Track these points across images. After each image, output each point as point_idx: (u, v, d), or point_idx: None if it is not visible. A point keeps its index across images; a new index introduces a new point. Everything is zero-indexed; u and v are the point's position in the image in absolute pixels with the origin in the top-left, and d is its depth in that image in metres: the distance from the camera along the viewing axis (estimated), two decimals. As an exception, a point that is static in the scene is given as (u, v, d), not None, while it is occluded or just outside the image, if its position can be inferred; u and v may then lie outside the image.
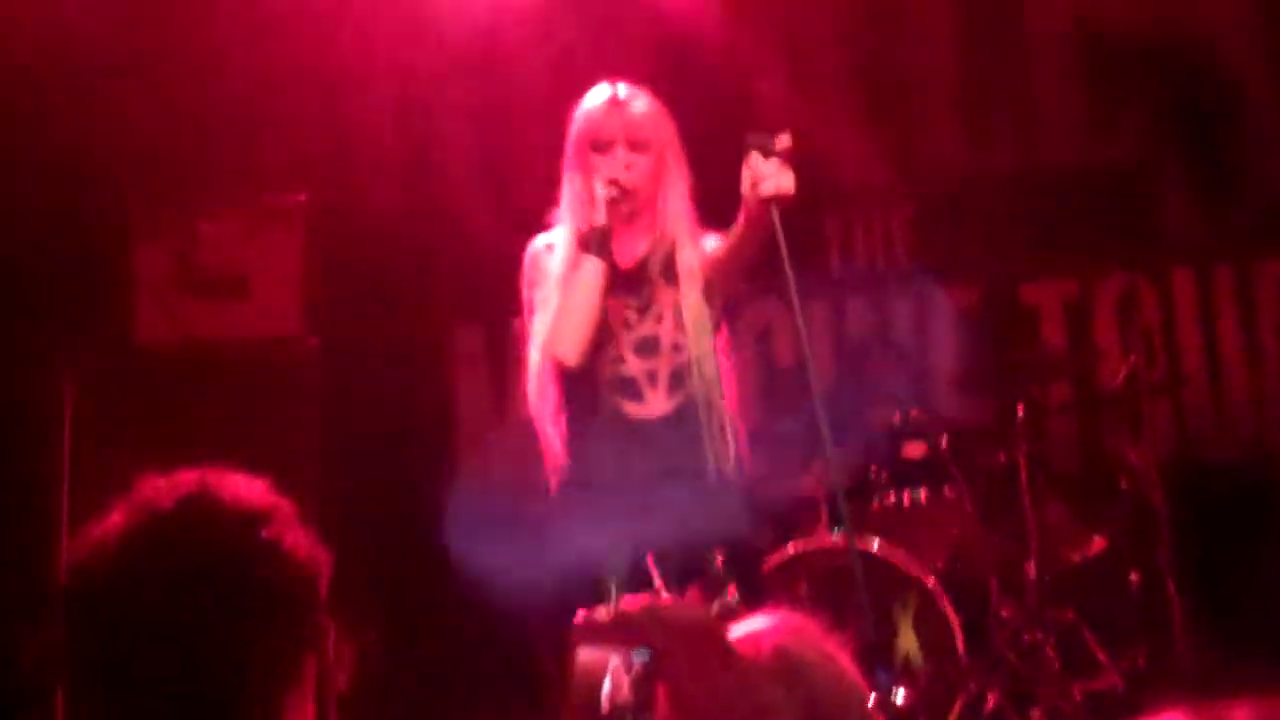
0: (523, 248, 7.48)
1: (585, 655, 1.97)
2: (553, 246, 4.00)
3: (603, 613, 1.92)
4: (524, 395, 4.01)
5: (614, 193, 3.81)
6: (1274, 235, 7.25)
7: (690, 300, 3.84)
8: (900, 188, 7.27)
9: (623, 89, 3.96)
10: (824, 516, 5.67)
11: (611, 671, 1.96)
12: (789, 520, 6.03)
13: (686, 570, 3.65)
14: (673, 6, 7.35)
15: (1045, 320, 7.18)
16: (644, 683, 1.83)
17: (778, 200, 3.47)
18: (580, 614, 1.95)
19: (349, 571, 6.36)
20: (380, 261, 7.57)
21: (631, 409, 3.82)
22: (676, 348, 3.82)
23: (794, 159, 3.50)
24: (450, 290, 7.67)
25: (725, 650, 1.82)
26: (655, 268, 3.90)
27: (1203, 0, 7.41)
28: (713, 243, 3.91)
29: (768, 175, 3.47)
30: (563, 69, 7.73)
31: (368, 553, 6.44)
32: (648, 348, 3.84)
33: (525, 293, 4.03)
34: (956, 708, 5.21)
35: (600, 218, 3.82)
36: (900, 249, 7.30)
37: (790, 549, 5.45)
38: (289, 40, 7.51)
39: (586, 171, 3.92)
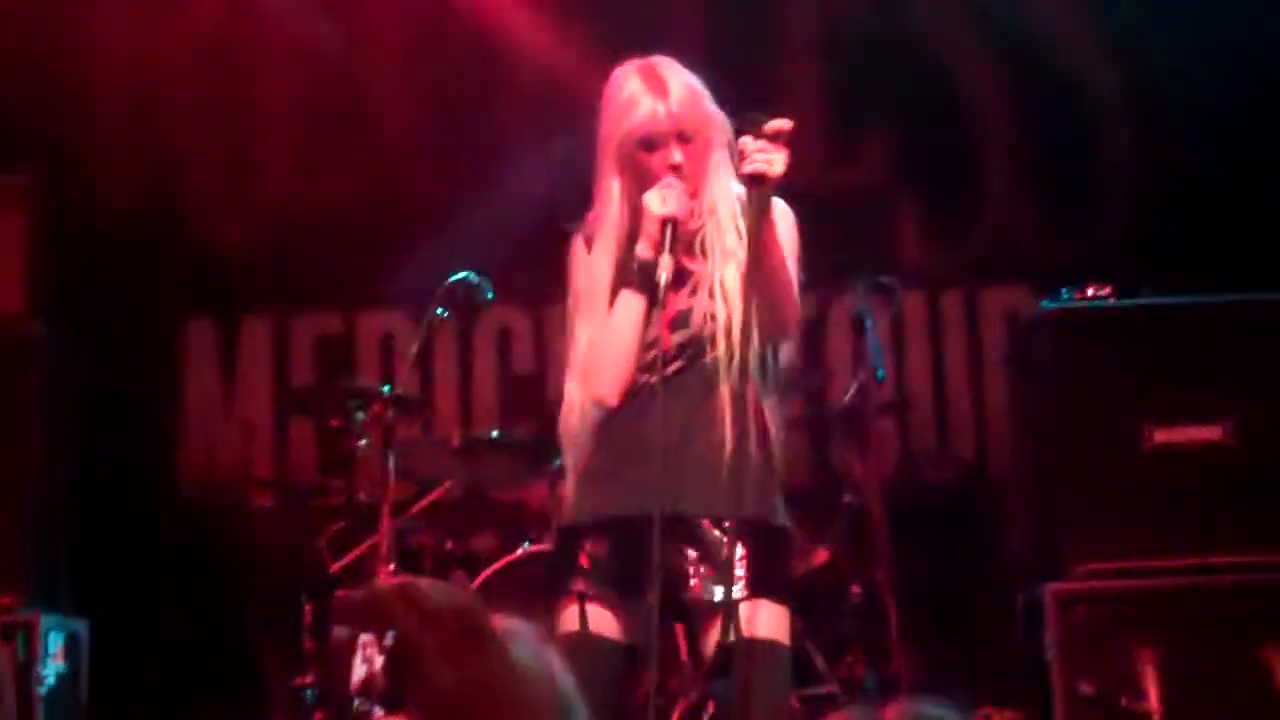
0: (261, 243, 7.48)
1: (340, 633, 1.92)
2: (591, 243, 3.77)
3: (356, 592, 1.88)
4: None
5: (664, 255, 3.58)
6: (1001, 263, 7.49)
7: (728, 276, 3.63)
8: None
9: (660, 70, 3.70)
10: (554, 521, 5.67)
11: (362, 651, 1.91)
12: (520, 524, 6.03)
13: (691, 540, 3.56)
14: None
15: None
16: (394, 664, 1.79)
17: (756, 180, 3.42)
18: (339, 594, 1.90)
19: (65, 560, 6.17)
20: (112, 250, 7.39)
21: (651, 378, 3.60)
22: (709, 318, 3.64)
23: (787, 140, 3.45)
24: (183, 283, 7.51)
25: (481, 635, 1.79)
26: (697, 243, 3.70)
27: (944, 32, 7.62)
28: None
29: (751, 153, 3.43)
30: (306, 60, 7.64)
31: (88, 541, 6.27)
32: (681, 322, 3.65)
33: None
34: (676, 714, 5.23)
35: (645, 249, 3.61)
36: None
37: (520, 552, 5.44)
38: (27, 11, 7.32)
39: (632, 173, 3.69)
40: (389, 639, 1.79)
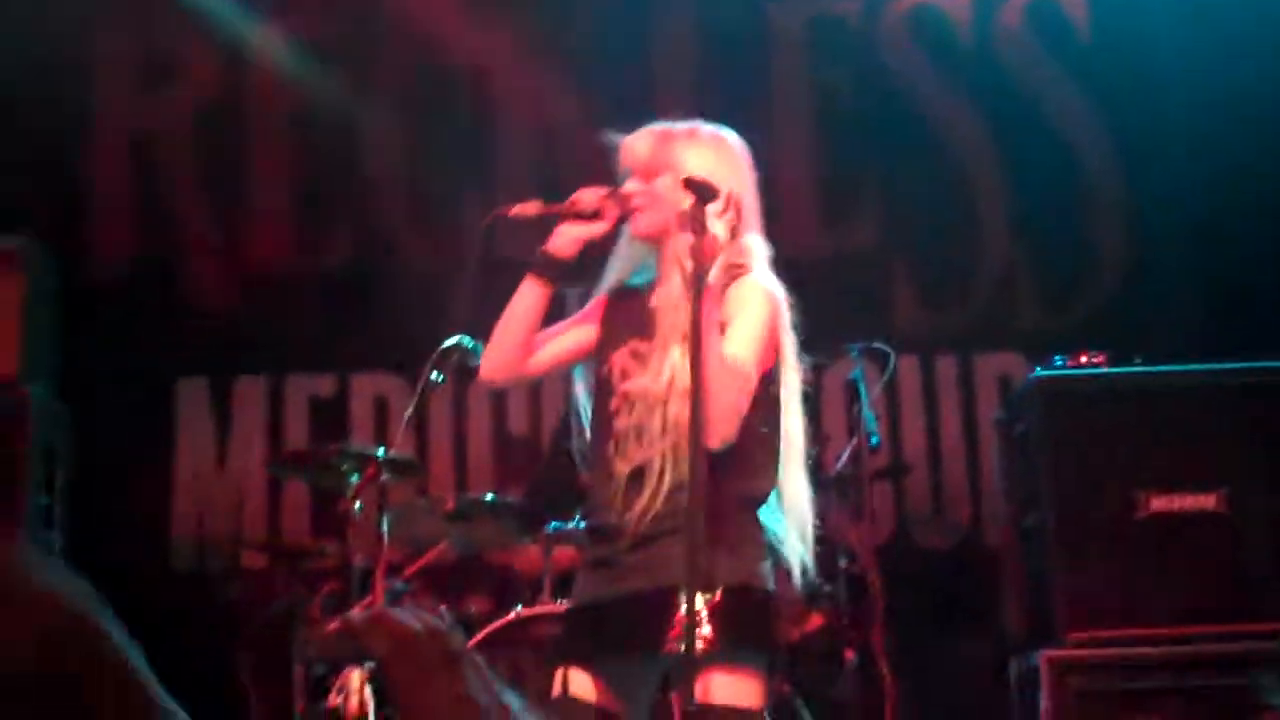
0: (255, 304, 7.49)
1: (320, 667, 1.92)
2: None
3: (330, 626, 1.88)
4: None
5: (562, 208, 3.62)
6: (995, 330, 7.52)
7: (677, 356, 3.54)
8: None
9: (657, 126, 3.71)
10: (547, 584, 5.65)
11: (340, 680, 1.90)
12: (514, 586, 6.02)
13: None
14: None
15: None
16: (377, 691, 1.79)
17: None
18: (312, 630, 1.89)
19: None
20: (106, 311, 7.41)
21: (619, 465, 3.59)
22: (664, 402, 3.55)
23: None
24: (176, 343, 7.52)
25: (453, 659, 1.78)
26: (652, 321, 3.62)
27: (938, 100, 7.69)
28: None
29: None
30: (299, 126, 7.71)
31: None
32: (638, 401, 3.60)
33: None
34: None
35: (556, 244, 3.67)
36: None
37: (513, 614, 5.42)
38: (26, 83, 7.39)
39: None
40: (365, 666, 1.78)
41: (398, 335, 7.06)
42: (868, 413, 6.13)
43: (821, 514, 6.90)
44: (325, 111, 7.66)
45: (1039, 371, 5.86)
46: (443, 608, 5.78)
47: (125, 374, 7.36)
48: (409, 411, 5.65)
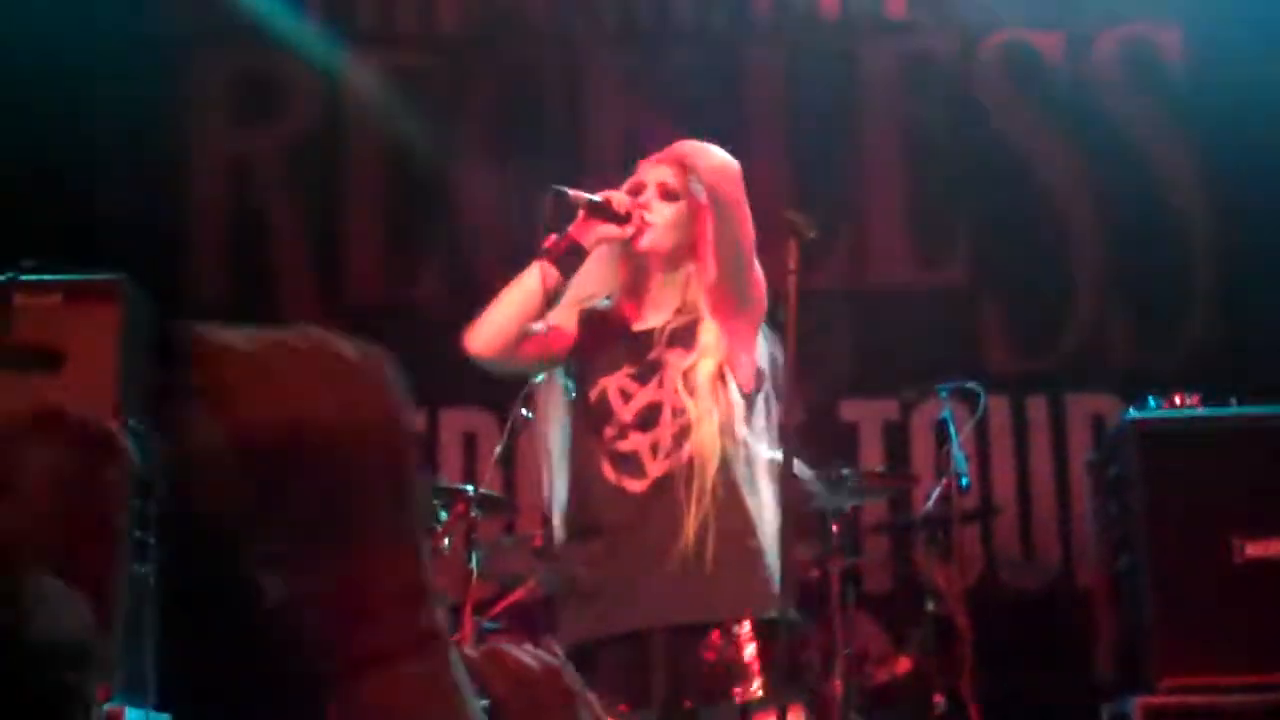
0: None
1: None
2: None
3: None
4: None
5: (582, 199, 3.70)
6: (1087, 370, 7.44)
7: (704, 369, 3.61)
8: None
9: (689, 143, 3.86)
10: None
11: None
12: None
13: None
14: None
15: (864, 438, 7.28)
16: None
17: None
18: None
19: (151, 652, 6.16)
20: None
21: (630, 484, 3.61)
22: (677, 412, 3.60)
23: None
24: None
25: (570, 698, 1.78)
26: (665, 335, 3.68)
27: (1029, 137, 7.64)
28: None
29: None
30: (392, 162, 7.76)
31: (173, 634, 6.29)
32: (649, 418, 3.63)
33: None
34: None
35: (587, 237, 3.75)
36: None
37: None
38: (118, 118, 7.48)
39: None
40: (481, 707, 1.76)
41: (487, 370, 7.08)
42: (957, 453, 6.10)
43: (909, 555, 6.89)
44: (418, 144, 7.71)
45: (1133, 413, 5.79)
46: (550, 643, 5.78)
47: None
48: (498, 447, 5.67)
